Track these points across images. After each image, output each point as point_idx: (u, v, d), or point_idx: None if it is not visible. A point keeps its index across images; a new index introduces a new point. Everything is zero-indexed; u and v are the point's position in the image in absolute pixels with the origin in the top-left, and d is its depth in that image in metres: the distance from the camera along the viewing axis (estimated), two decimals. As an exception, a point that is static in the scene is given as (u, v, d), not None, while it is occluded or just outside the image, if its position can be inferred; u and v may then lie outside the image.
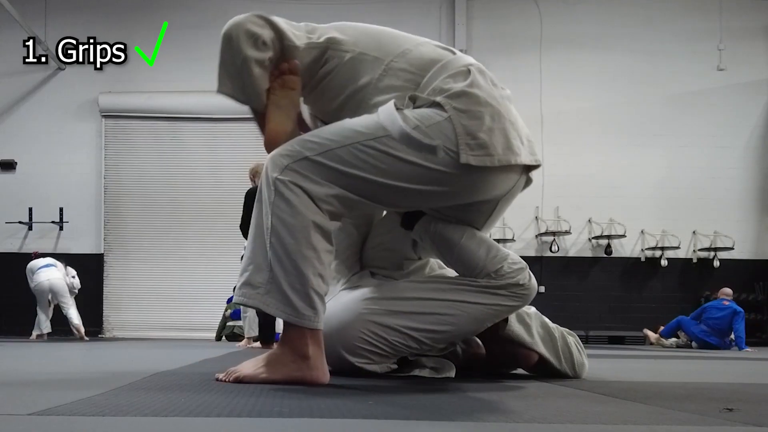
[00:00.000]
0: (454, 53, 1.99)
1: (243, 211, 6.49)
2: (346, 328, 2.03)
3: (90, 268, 10.67)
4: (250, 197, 6.24)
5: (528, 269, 2.08)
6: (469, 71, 1.89)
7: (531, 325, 2.24)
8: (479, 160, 1.80)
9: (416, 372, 2.18)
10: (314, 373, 1.79)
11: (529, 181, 2.08)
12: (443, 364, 2.20)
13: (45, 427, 1.07)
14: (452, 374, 2.20)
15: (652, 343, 9.89)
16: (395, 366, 2.17)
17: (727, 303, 9.07)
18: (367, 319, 2.02)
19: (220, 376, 1.90)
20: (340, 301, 2.11)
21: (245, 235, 7.10)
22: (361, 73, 1.95)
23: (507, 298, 2.02)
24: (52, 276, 9.05)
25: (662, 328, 9.82)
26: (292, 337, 1.81)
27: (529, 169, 2.00)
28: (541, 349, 2.24)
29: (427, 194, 1.86)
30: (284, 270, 1.77)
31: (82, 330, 8.99)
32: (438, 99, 1.81)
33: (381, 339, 2.01)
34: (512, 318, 2.18)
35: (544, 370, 2.31)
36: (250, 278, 1.81)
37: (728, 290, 9.46)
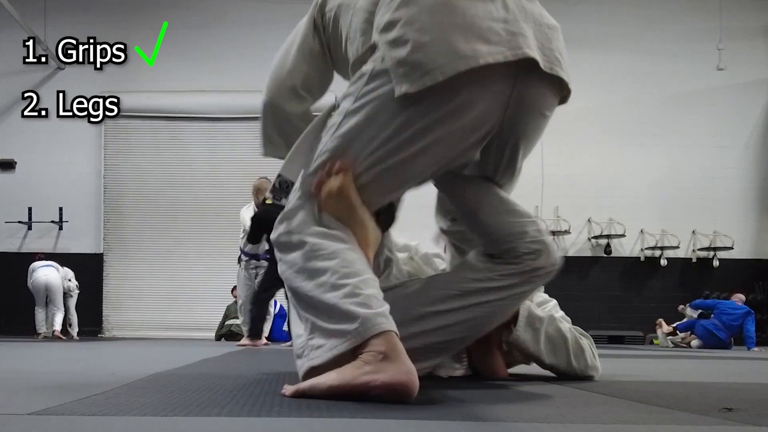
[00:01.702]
0: None
1: (249, 231, 6.57)
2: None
3: (89, 268, 10.67)
4: (258, 221, 6.26)
5: (549, 245, 1.90)
6: None
7: (540, 330, 2.15)
8: (417, 84, 1.54)
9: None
10: (393, 370, 1.39)
11: (561, 90, 1.76)
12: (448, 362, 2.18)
13: (45, 427, 1.07)
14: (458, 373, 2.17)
15: (653, 341, 9.93)
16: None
17: (740, 304, 9.21)
18: (405, 322, 1.79)
19: (287, 392, 1.50)
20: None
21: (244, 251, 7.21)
22: (341, 27, 1.87)
23: (527, 284, 1.87)
24: (50, 274, 9.25)
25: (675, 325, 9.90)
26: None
27: (526, 67, 1.64)
28: (545, 357, 2.17)
29: (425, 151, 1.63)
30: (313, 313, 1.57)
31: (57, 333, 9.24)
32: (373, 40, 1.66)
33: (419, 354, 1.82)
34: (521, 323, 2.10)
35: (555, 371, 2.29)
36: (296, 350, 1.63)
37: (741, 296, 9.57)
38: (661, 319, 10.15)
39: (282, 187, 1.83)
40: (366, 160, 1.63)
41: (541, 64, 1.64)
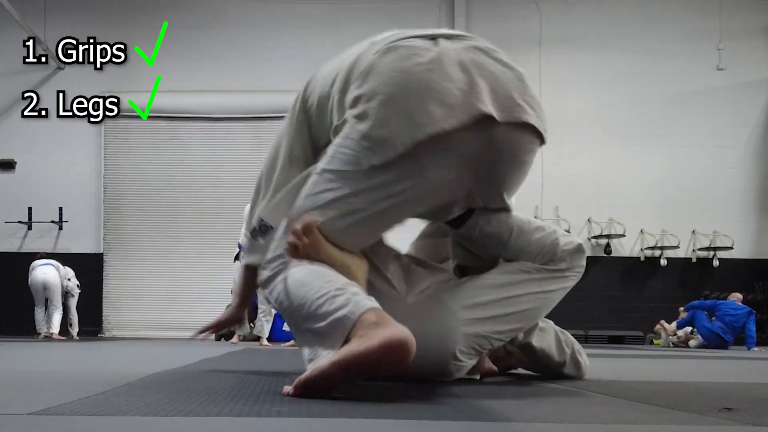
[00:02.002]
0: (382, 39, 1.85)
1: None
2: (438, 342, 1.87)
3: (89, 268, 10.67)
4: None
5: (580, 243, 2.05)
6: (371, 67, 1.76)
7: (545, 330, 2.20)
8: (381, 157, 1.67)
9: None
10: (388, 331, 1.43)
11: (533, 133, 1.82)
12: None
13: (45, 427, 1.07)
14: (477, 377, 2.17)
15: (653, 341, 9.93)
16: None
17: (740, 303, 9.20)
18: (460, 327, 1.89)
19: (289, 390, 1.53)
20: (424, 312, 1.92)
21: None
22: (325, 116, 1.99)
23: (570, 279, 2.02)
24: (48, 273, 9.19)
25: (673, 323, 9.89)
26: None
27: (487, 122, 1.71)
28: (556, 356, 2.21)
29: (399, 207, 1.75)
30: (307, 325, 1.63)
31: (55, 334, 9.12)
32: (345, 116, 1.78)
33: (474, 350, 1.93)
34: (535, 335, 2.15)
35: (549, 372, 2.30)
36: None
37: (739, 295, 9.56)
38: (662, 321, 10.14)
39: (261, 229, 2.00)
40: (341, 219, 1.73)
41: (498, 117, 1.71)
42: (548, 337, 2.20)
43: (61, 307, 9.31)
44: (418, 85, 1.68)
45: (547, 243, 2.00)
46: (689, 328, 9.56)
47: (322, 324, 1.56)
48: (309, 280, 1.65)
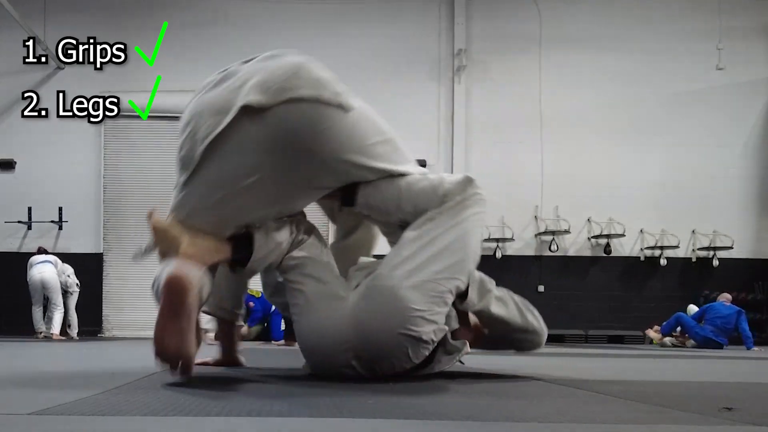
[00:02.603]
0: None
1: None
2: (393, 309, 2.00)
3: (89, 268, 10.66)
4: None
5: (467, 176, 2.17)
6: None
7: (491, 292, 2.25)
8: (186, 173, 2.09)
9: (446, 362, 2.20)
10: (165, 277, 1.87)
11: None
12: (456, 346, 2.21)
13: (45, 427, 1.07)
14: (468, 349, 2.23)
15: (652, 341, 9.90)
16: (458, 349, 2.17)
17: (728, 304, 9.13)
18: (403, 287, 2.00)
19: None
20: (367, 295, 2.06)
21: None
22: None
23: (471, 206, 2.11)
24: (45, 271, 9.05)
25: (659, 327, 9.81)
26: None
27: (256, 111, 1.97)
28: (498, 311, 2.27)
29: (229, 197, 2.03)
30: None
31: (56, 335, 8.99)
32: None
33: (429, 297, 2.00)
34: (472, 290, 2.19)
35: (513, 341, 2.38)
36: None
37: (728, 295, 9.51)
38: (648, 330, 10.07)
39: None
40: (195, 211, 2.08)
41: (259, 102, 1.94)
42: (508, 305, 2.29)
43: (61, 306, 9.18)
44: (198, 107, 2.03)
45: (435, 185, 2.12)
46: (678, 328, 9.50)
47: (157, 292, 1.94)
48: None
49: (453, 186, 2.11)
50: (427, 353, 2.05)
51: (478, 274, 2.23)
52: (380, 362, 2.03)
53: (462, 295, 2.17)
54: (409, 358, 2.03)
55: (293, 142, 1.98)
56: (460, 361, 2.29)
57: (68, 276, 9.40)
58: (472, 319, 2.34)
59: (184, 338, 1.83)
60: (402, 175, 2.15)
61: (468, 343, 2.23)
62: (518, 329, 2.30)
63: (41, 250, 9.57)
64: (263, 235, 2.10)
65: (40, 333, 9.14)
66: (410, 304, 1.97)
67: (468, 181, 2.14)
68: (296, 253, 2.13)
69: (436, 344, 2.07)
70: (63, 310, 9.22)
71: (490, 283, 2.26)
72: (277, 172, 2.01)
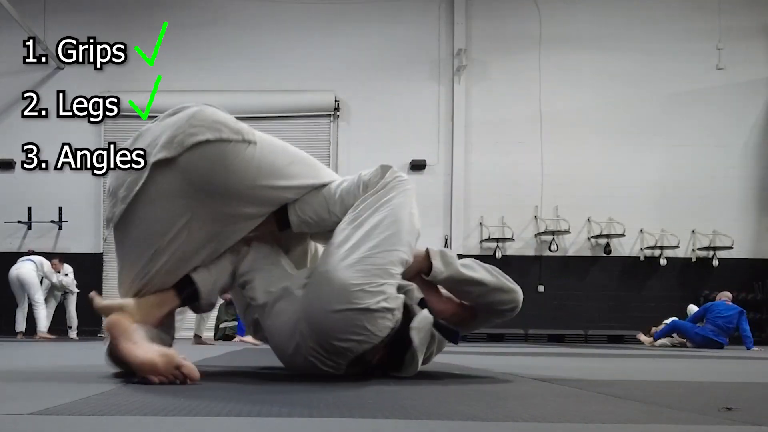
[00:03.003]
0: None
1: None
2: (333, 289, 2.00)
3: (89, 268, 10.67)
4: None
5: (383, 164, 2.23)
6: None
7: (454, 259, 2.27)
8: (115, 221, 2.17)
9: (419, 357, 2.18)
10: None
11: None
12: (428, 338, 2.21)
13: (45, 427, 1.07)
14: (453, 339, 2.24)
15: (648, 346, 9.89)
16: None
17: (729, 303, 9.10)
18: (339, 268, 2.01)
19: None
20: (309, 285, 2.10)
21: None
22: None
23: (396, 188, 2.16)
24: (21, 267, 8.92)
25: (656, 330, 9.80)
26: None
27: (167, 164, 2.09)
28: (471, 273, 2.27)
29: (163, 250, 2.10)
30: None
31: (43, 334, 8.88)
32: None
33: (367, 272, 2.01)
34: (435, 261, 2.23)
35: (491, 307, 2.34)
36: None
37: (729, 294, 9.49)
38: (640, 334, 10.06)
39: None
40: (134, 276, 2.17)
41: (167, 155, 2.05)
42: (475, 269, 2.28)
43: (43, 303, 8.96)
44: (116, 170, 2.16)
45: (355, 181, 2.21)
46: (674, 334, 9.49)
47: None
48: None
49: (371, 176, 2.20)
50: (389, 323, 2.02)
51: (438, 248, 2.27)
52: (342, 343, 1.99)
53: (427, 270, 2.21)
54: (371, 332, 1.99)
55: (207, 183, 2.07)
56: (452, 341, 2.26)
57: (66, 275, 9.34)
58: (444, 293, 2.35)
59: (145, 347, 1.92)
60: (322, 185, 2.24)
61: (442, 317, 2.24)
62: (493, 289, 2.28)
63: (30, 252, 9.54)
64: (202, 269, 2.19)
65: (18, 333, 9.00)
66: (348, 281, 1.98)
67: (384, 168, 2.22)
68: (243, 267, 2.23)
69: (398, 313, 2.05)
70: (45, 306, 9.01)
71: (451, 252, 2.30)
72: (201, 214, 2.09)
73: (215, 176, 2.07)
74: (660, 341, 9.47)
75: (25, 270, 8.95)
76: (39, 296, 8.99)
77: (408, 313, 2.14)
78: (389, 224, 2.09)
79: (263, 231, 2.29)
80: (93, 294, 2.22)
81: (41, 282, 9.18)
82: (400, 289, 2.17)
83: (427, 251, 2.25)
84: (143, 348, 1.91)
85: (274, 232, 2.31)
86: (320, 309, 1.99)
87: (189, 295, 2.17)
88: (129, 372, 1.93)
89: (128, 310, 2.12)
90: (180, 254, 2.12)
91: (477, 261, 2.34)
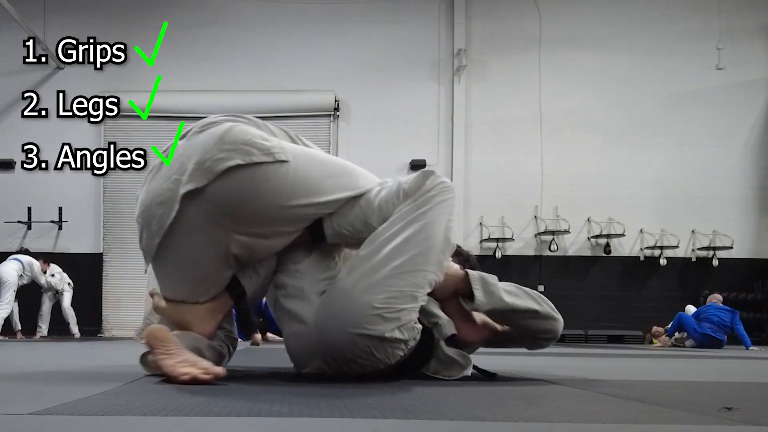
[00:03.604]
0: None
1: None
2: (348, 310, 1.97)
3: (89, 268, 10.68)
4: None
5: (425, 170, 2.12)
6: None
7: (496, 286, 2.19)
8: (148, 260, 2.23)
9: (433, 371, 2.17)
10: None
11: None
12: (452, 363, 2.17)
13: (45, 427, 1.07)
14: (467, 372, 2.17)
15: (652, 341, 9.91)
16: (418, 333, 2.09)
17: (720, 305, 9.16)
18: (360, 288, 1.96)
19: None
20: (325, 299, 2.06)
21: None
22: None
23: (435, 197, 2.05)
24: (5, 267, 8.96)
25: (657, 330, 9.86)
26: None
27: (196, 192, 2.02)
28: (516, 302, 2.20)
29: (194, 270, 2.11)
30: None
31: (18, 331, 8.97)
32: None
33: (389, 294, 1.95)
34: (477, 289, 2.15)
35: (528, 331, 2.30)
36: None
37: (719, 296, 9.54)
38: (656, 328, 10.10)
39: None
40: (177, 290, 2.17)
41: (197, 185, 1.97)
42: (520, 295, 2.22)
43: (9, 305, 8.93)
44: (146, 199, 2.16)
45: (394, 190, 2.09)
46: (683, 332, 9.53)
47: None
48: None
49: (410, 184, 2.09)
50: (401, 353, 1.99)
51: (478, 273, 2.18)
52: (347, 364, 2.00)
53: (468, 296, 2.14)
54: (379, 359, 1.98)
55: (240, 208, 2.01)
56: (478, 371, 2.21)
57: (53, 275, 9.32)
58: (479, 317, 2.28)
59: (182, 356, 1.89)
60: (360, 195, 2.13)
61: (468, 356, 2.17)
62: (539, 316, 2.24)
63: (23, 251, 9.53)
64: (249, 268, 2.17)
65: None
66: (365, 304, 1.93)
67: (426, 175, 2.10)
68: (283, 268, 2.19)
69: (412, 343, 2.01)
70: (9, 307, 9.00)
71: (492, 278, 2.20)
72: (234, 237, 2.05)
73: (247, 203, 2.00)
74: (675, 336, 9.53)
75: (7, 269, 8.97)
76: (8, 296, 8.94)
77: (431, 340, 2.12)
78: (420, 240, 2.00)
79: (299, 242, 2.22)
80: (152, 290, 2.23)
81: (30, 283, 9.20)
82: (429, 317, 2.15)
83: (467, 275, 2.17)
84: (179, 357, 1.88)
85: (308, 241, 2.22)
86: (333, 328, 1.97)
87: (239, 294, 2.16)
88: (161, 376, 1.91)
89: (187, 318, 2.13)
90: (221, 271, 2.12)
91: (517, 285, 2.26)
